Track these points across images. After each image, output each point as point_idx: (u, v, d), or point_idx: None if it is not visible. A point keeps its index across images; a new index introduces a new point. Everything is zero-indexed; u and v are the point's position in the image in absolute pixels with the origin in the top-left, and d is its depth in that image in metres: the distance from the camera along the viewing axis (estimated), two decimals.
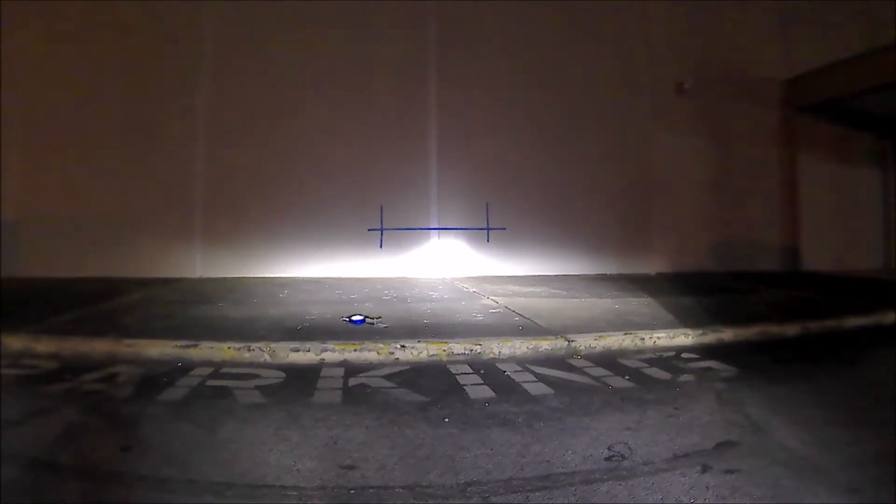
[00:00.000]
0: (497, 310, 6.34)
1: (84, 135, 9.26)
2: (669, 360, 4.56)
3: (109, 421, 3.06)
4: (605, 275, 10.38)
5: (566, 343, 4.74)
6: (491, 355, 4.53)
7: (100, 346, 4.39)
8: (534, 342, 4.71)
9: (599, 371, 4.18)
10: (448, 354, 4.47)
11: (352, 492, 2.32)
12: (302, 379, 3.85)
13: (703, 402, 3.48)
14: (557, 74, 10.59)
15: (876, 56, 9.90)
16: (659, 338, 5.03)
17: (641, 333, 5.05)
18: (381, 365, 4.26)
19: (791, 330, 5.67)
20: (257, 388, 3.66)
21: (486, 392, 3.65)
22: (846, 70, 10.48)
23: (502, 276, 9.92)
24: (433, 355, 4.45)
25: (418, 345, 4.52)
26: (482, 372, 4.11)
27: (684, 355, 4.70)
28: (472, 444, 2.79)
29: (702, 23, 11.43)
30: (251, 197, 9.66)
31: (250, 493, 2.30)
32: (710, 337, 5.20)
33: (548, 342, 4.74)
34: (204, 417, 3.09)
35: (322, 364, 4.24)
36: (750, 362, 4.46)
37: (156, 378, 3.82)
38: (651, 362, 4.44)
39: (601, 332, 5.10)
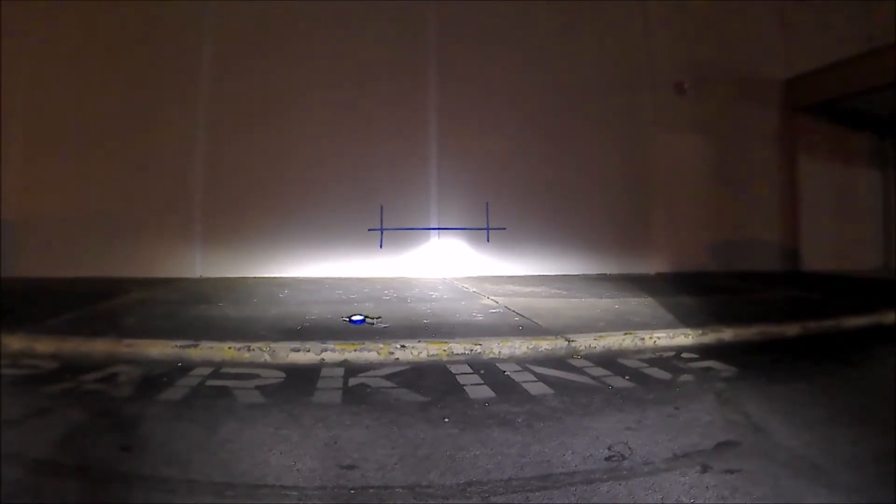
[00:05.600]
0: (497, 310, 6.34)
1: (84, 135, 9.26)
2: (669, 359, 4.56)
3: (109, 421, 3.05)
4: (605, 275, 10.38)
5: (566, 343, 4.74)
6: (491, 355, 4.53)
7: (100, 346, 4.39)
8: (534, 342, 4.71)
9: (599, 371, 4.18)
10: (448, 354, 4.47)
11: (352, 492, 2.32)
12: (302, 379, 3.85)
13: (703, 402, 3.48)
14: (557, 74, 10.59)
15: (875, 56, 9.91)
16: (659, 338, 5.03)
17: (641, 333, 5.05)
18: (381, 365, 4.26)
19: (791, 330, 5.66)
20: (257, 387, 3.66)
21: (486, 392, 3.65)
22: (846, 70, 10.49)
23: (502, 276, 9.91)
24: (433, 355, 4.45)
25: (418, 345, 4.52)
26: (482, 372, 4.11)
27: (684, 355, 4.70)
28: (472, 444, 2.78)
29: (702, 23, 11.43)
30: (251, 197, 9.66)
31: (250, 493, 2.30)
32: (709, 337, 5.20)
33: (548, 342, 4.74)
34: (204, 417, 3.09)
35: (322, 364, 4.24)
36: (750, 362, 4.46)
37: (156, 378, 3.82)
38: (651, 362, 4.44)
39: (601, 332, 5.10)
